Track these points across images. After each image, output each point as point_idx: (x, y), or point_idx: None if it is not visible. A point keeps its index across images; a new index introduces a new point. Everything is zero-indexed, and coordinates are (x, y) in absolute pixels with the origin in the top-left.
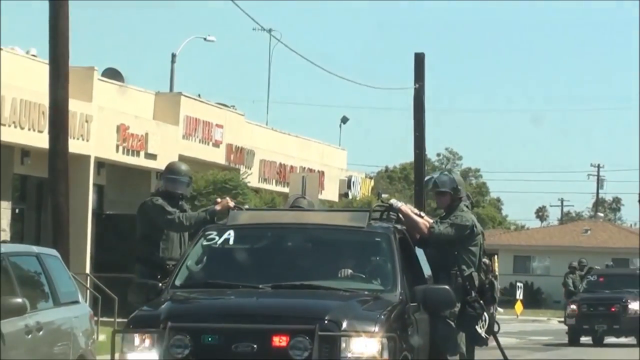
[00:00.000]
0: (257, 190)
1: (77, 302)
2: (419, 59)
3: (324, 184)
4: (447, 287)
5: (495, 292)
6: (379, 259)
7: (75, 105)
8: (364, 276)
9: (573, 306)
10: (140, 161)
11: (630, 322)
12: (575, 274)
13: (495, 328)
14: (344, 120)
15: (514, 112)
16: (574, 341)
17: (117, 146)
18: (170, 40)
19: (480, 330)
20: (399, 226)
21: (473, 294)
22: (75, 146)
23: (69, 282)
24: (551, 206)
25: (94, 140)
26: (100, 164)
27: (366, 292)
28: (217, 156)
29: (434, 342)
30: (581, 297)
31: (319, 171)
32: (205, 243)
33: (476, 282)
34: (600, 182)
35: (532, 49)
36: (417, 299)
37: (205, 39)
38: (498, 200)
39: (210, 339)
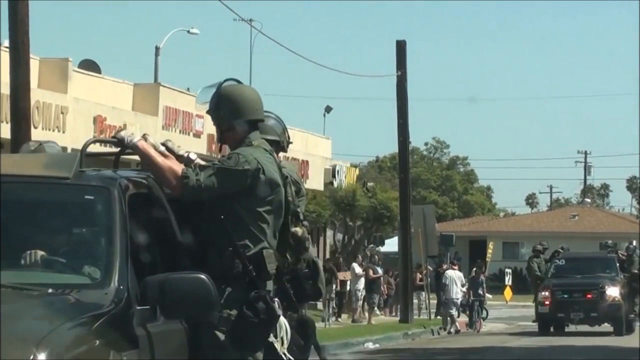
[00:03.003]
0: None
1: None
2: (401, 47)
3: (309, 173)
4: (201, 275)
5: (320, 281)
6: (87, 231)
7: (50, 97)
8: (64, 261)
9: (546, 293)
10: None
11: (609, 309)
12: (540, 257)
13: (484, 314)
14: (328, 109)
15: (501, 101)
16: (545, 330)
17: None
18: (154, 34)
19: (280, 346)
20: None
21: (267, 287)
22: (51, 138)
23: None
24: (540, 193)
25: (70, 132)
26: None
27: (50, 291)
28: (198, 147)
29: None
30: (553, 283)
31: (303, 160)
32: None
33: (269, 266)
34: (587, 169)
35: (518, 37)
36: (150, 298)
37: (188, 31)
38: (488, 188)
39: None
